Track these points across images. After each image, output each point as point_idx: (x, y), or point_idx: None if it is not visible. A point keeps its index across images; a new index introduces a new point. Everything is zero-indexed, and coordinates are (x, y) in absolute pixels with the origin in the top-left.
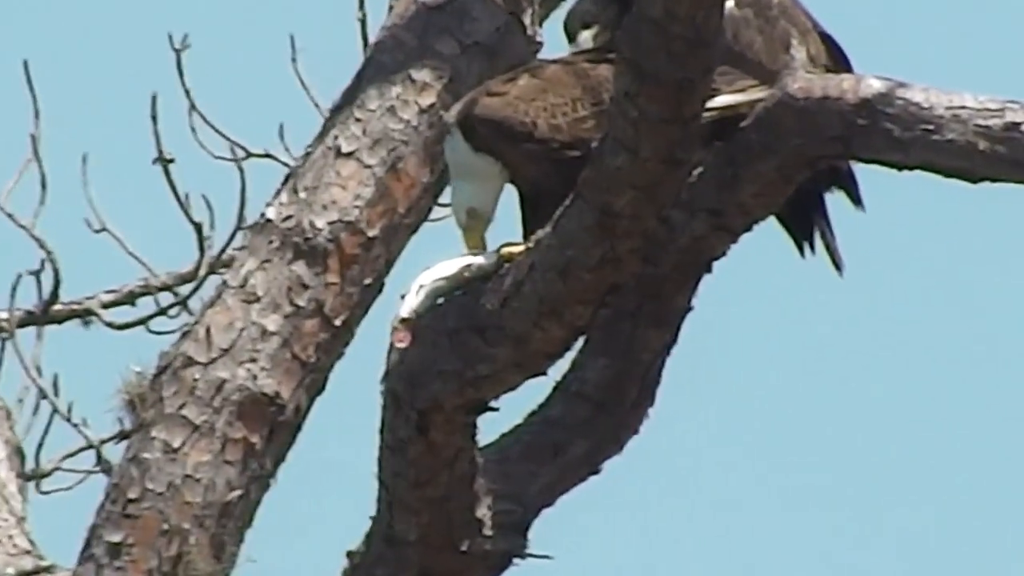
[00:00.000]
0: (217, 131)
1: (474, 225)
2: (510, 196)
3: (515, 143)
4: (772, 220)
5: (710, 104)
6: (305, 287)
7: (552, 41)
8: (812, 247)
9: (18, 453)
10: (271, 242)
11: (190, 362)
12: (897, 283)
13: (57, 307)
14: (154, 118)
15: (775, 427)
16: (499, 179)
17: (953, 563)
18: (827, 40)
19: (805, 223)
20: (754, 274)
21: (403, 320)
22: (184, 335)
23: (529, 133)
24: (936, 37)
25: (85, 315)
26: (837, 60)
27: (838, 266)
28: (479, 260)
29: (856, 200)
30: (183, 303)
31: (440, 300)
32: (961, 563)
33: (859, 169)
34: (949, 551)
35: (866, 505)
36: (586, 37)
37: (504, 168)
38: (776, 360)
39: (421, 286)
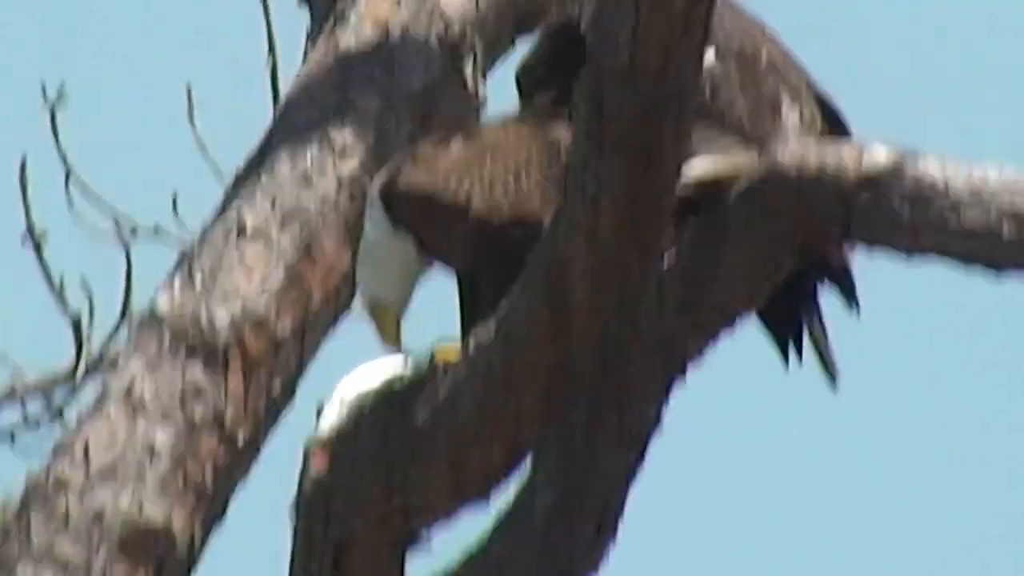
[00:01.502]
0: (98, 201)
1: (382, 315)
2: (442, 283)
3: (446, 222)
4: (752, 319)
5: (684, 175)
6: (202, 394)
7: (499, 96)
8: (800, 353)
9: None
10: (161, 339)
11: (63, 486)
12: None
13: None
14: (23, 186)
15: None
16: (418, 266)
17: None
18: (824, 103)
19: (790, 323)
20: (734, 381)
21: (319, 440)
22: (56, 452)
23: (462, 210)
24: (954, 98)
25: None
26: (836, 128)
27: (832, 376)
28: (408, 366)
29: (851, 298)
30: (56, 411)
31: (364, 414)
32: None
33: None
34: None
35: None
36: (543, 100)
37: (426, 252)
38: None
39: (342, 398)
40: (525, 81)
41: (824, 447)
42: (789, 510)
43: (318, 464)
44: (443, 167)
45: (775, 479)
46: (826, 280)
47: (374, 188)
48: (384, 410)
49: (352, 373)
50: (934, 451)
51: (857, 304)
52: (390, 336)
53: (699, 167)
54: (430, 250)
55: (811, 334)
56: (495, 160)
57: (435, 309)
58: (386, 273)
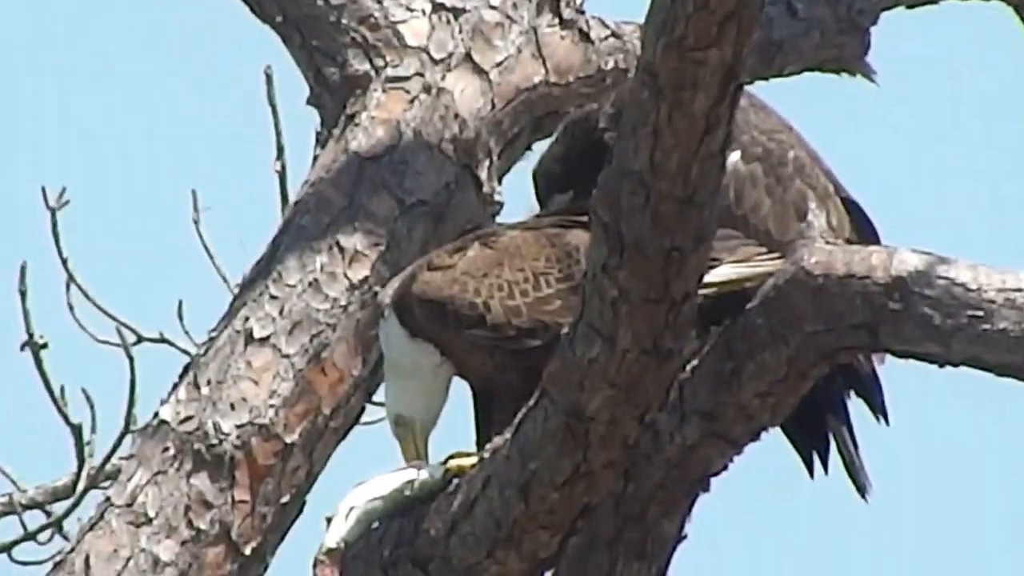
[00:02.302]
0: (101, 309)
1: (405, 434)
2: (461, 392)
3: (462, 329)
4: (776, 430)
5: (706, 279)
6: (208, 506)
7: (515, 200)
8: (826, 465)
9: None
10: (166, 449)
11: None
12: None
13: None
14: (23, 293)
15: None
16: (441, 375)
17: None
18: (851, 207)
19: (817, 433)
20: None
21: (328, 551)
22: (57, 566)
23: (480, 317)
24: (985, 203)
25: None
26: (863, 232)
27: (862, 490)
28: (422, 475)
29: (879, 410)
30: (56, 525)
31: (375, 525)
32: None
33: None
34: None
35: None
36: (561, 202)
37: (447, 360)
38: None
39: (352, 508)
40: (542, 181)
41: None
42: None
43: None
44: (459, 273)
45: None
46: (853, 389)
47: (386, 297)
48: (397, 520)
49: (362, 484)
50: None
51: (885, 414)
52: (413, 452)
53: (722, 272)
54: (447, 357)
55: (838, 445)
56: (512, 266)
57: (450, 420)
58: (407, 386)
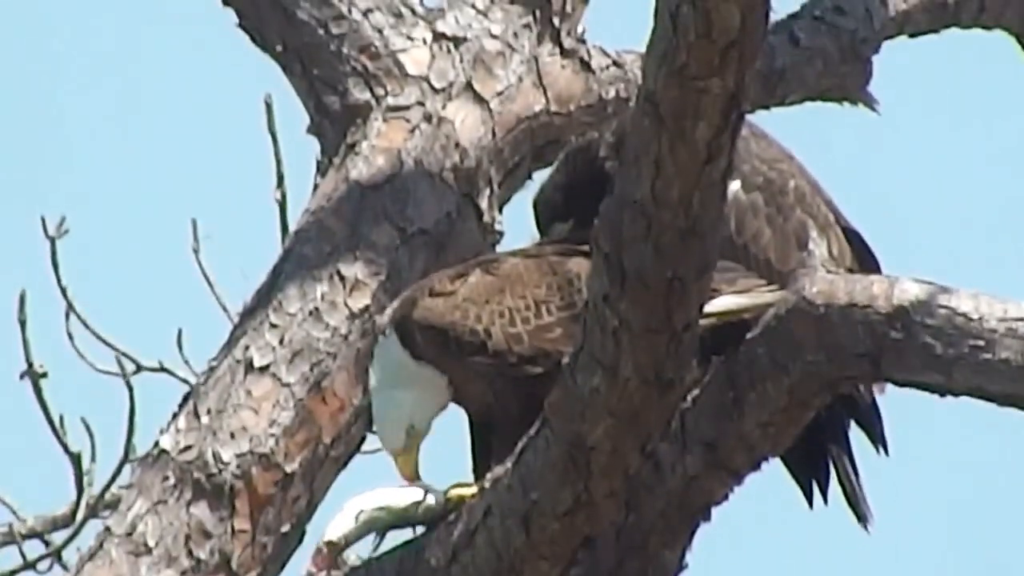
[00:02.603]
0: (100, 338)
1: (412, 444)
2: (453, 421)
3: (463, 356)
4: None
5: (707, 309)
6: (208, 536)
7: (515, 229)
8: (825, 495)
9: None
10: (166, 478)
11: None
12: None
13: None
14: (22, 322)
15: None
16: (444, 394)
17: None
18: (853, 237)
19: (817, 462)
20: (761, 521)
21: (328, 543)
22: None
23: (481, 344)
24: (986, 232)
25: None
26: (864, 261)
27: (863, 520)
28: (428, 499)
29: (878, 440)
30: (56, 554)
31: (373, 533)
32: None
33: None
34: None
35: None
36: (561, 231)
37: (449, 383)
38: None
39: (361, 511)
40: (542, 210)
41: None
42: None
43: (317, 566)
44: (460, 299)
45: None
46: (853, 419)
47: (386, 319)
48: (398, 551)
49: (369, 492)
50: None
51: (884, 444)
52: (409, 468)
53: (721, 303)
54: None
55: (839, 474)
56: (513, 293)
57: (448, 451)
58: (415, 396)
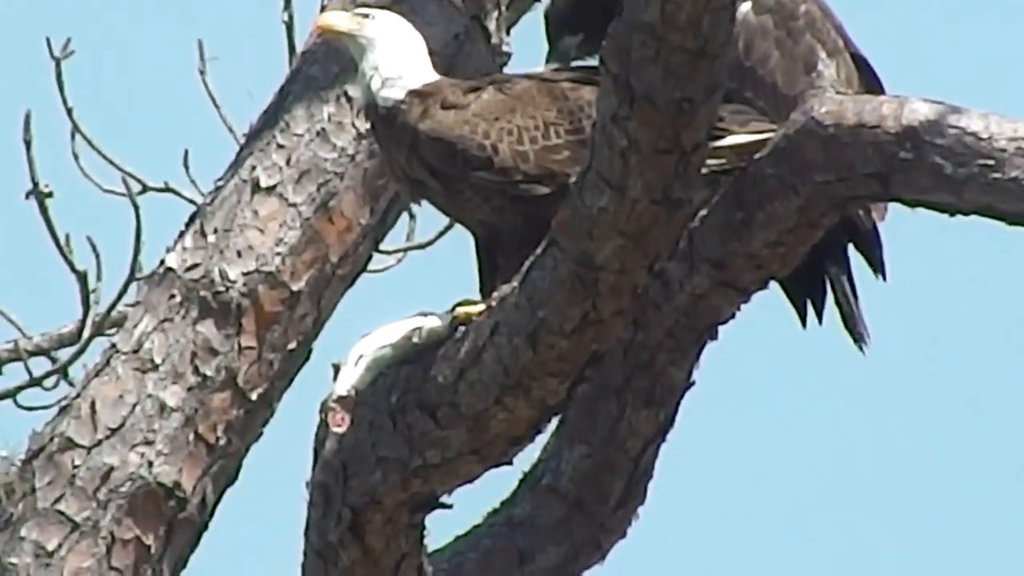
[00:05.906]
0: (106, 158)
1: None
2: (465, 245)
3: (469, 170)
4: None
5: (715, 146)
6: (214, 352)
7: (523, 52)
8: (820, 314)
9: None
10: (172, 296)
11: (70, 444)
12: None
13: None
14: (27, 142)
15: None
16: None
17: None
18: (861, 63)
19: (813, 279)
20: (768, 339)
21: (339, 398)
22: (62, 411)
23: (487, 159)
24: (997, 54)
25: None
26: (872, 88)
27: (859, 340)
28: (429, 322)
29: (877, 265)
30: (62, 371)
31: (383, 373)
32: None
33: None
34: None
35: None
36: (571, 44)
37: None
38: (791, 445)
39: (361, 356)
40: (553, 22)
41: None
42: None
43: (337, 423)
44: (471, 114)
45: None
46: (853, 243)
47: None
48: (405, 367)
49: (371, 333)
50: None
51: (883, 269)
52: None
53: (731, 139)
54: (450, 198)
55: (836, 293)
56: (524, 113)
57: (454, 276)
58: None
